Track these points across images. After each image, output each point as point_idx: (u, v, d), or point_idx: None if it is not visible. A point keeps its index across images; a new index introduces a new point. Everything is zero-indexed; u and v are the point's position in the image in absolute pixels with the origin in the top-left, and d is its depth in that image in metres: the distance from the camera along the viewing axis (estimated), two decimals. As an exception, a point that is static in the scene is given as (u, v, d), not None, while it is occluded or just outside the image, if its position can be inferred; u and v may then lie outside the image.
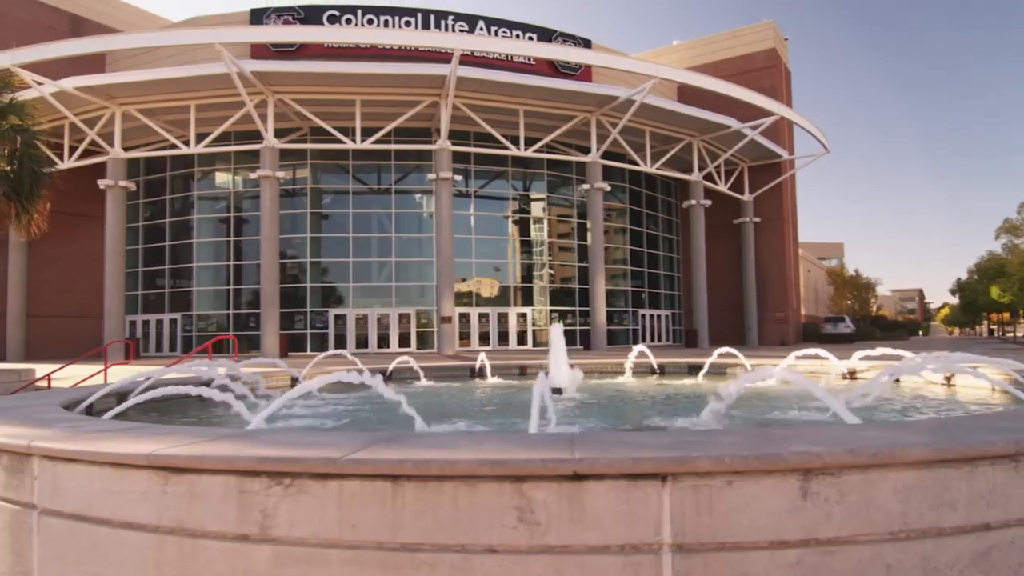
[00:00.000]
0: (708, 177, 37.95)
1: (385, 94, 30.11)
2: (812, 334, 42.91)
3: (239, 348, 32.94)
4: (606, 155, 34.56)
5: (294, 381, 11.73)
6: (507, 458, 2.48)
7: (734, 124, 34.71)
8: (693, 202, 37.19)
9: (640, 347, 12.11)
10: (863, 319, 57.13)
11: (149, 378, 5.89)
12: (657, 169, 35.35)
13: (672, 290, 42.53)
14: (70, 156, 31.45)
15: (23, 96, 28.57)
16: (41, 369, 14.66)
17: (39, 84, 27.98)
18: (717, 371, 12.29)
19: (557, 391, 8.49)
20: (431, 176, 30.56)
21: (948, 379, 8.20)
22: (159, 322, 34.71)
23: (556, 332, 9.34)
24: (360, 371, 6.14)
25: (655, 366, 12.40)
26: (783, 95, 41.86)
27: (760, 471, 2.45)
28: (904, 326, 71.86)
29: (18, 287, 32.75)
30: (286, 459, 2.64)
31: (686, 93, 39.07)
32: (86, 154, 31.27)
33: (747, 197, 40.69)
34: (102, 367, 14.55)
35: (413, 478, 2.53)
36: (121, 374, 11.58)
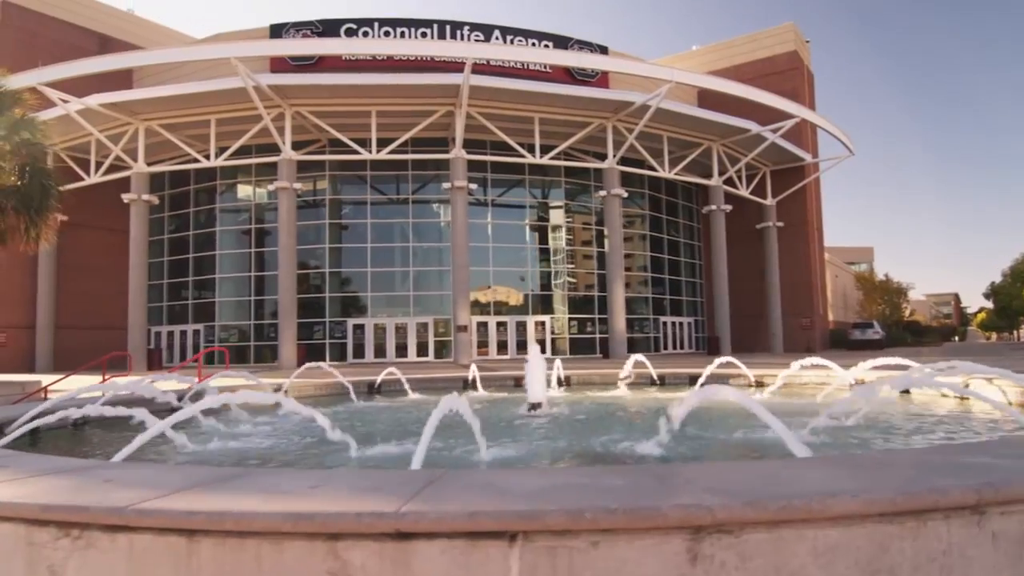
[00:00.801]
0: (729, 182, 36.99)
1: (400, 105, 29.92)
2: (840, 340, 41.53)
3: (259, 358, 33.02)
4: (624, 161, 33.88)
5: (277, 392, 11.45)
6: (314, 511, 1.97)
7: (754, 127, 33.78)
8: (713, 207, 36.23)
9: (637, 356, 11.53)
10: (894, 325, 55.22)
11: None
12: (676, 174, 34.54)
13: (695, 297, 41.52)
14: (96, 171, 31.87)
15: (49, 114, 29.22)
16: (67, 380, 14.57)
17: (65, 101, 28.41)
18: (720, 381, 11.64)
19: (534, 407, 7.97)
20: (446, 185, 30.24)
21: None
22: (183, 333, 34.91)
23: (533, 347, 8.87)
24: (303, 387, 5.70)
25: (655, 377, 11.79)
26: (805, 98, 40.72)
27: (635, 529, 1.89)
28: (938, 331, 69.33)
29: (47, 299, 33.24)
30: (73, 507, 2.17)
31: (706, 97, 38.26)
32: (112, 169, 31.65)
33: (770, 201, 39.58)
34: (112, 376, 14.39)
35: (210, 533, 2.03)
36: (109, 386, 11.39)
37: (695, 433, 5.46)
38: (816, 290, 40.28)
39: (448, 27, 33.71)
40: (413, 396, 10.87)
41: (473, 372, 11.89)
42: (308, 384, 11.51)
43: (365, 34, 32.99)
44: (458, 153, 29.85)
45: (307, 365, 12.79)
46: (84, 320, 34.19)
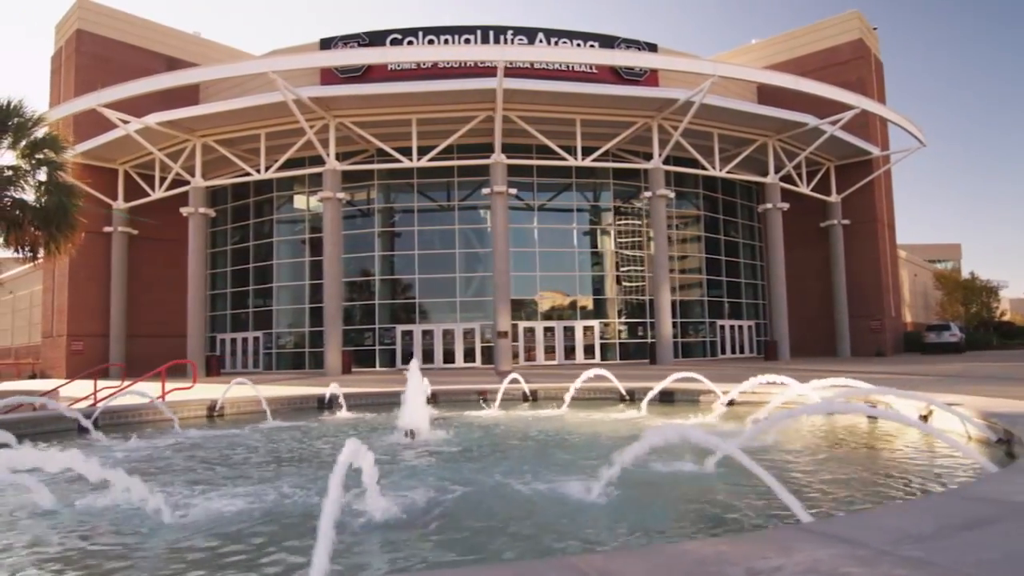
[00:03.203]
0: (788, 179, 34.33)
1: (440, 112, 29.18)
2: (914, 344, 37.91)
3: (314, 364, 32.95)
4: (675, 161, 31.99)
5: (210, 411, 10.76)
6: None
7: (811, 121, 31.13)
8: (769, 206, 33.65)
9: (598, 370, 10.16)
10: (981, 326, 50.27)
11: None
12: (728, 172, 32.25)
13: (756, 299, 38.84)
14: (160, 186, 32.71)
15: (112, 136, 30.15)
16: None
17: (125, 122, 29.21)
18: (690, 399, 10.20)
19: (410, 434, 6.77)
20: (486, 191, 29.27)
21: (924, 417, 5.96)
22: (244, 340, 35.40)
23: (413, 363, 7.65)
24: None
25: (624, 393, 10.41)
26: (872, 88, 37.45)
27: None
28: (1034, 332, 62.76)
29: (120, 309, 34.38)
30: None
31: (766, 92, 35.77)
32: (174, 184, 32.41)
33: (834, 198, 36.54)
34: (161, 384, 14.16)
35: None
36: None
37: (567, 459, 4.29)
38: (887, 290, 36.87)
39: (491, 32, 32.79)
40: (346, 415, 10.10)
41: (426, 387, 11.02)
42: (247, 399, 10.80)
43: (410, 43, 32.52)
44: (497, 158, 28.82)
45: (237, 380, 11.87)
46: (154, 329, 35.20)
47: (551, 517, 3.80)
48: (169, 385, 15.61)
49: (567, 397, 10.22)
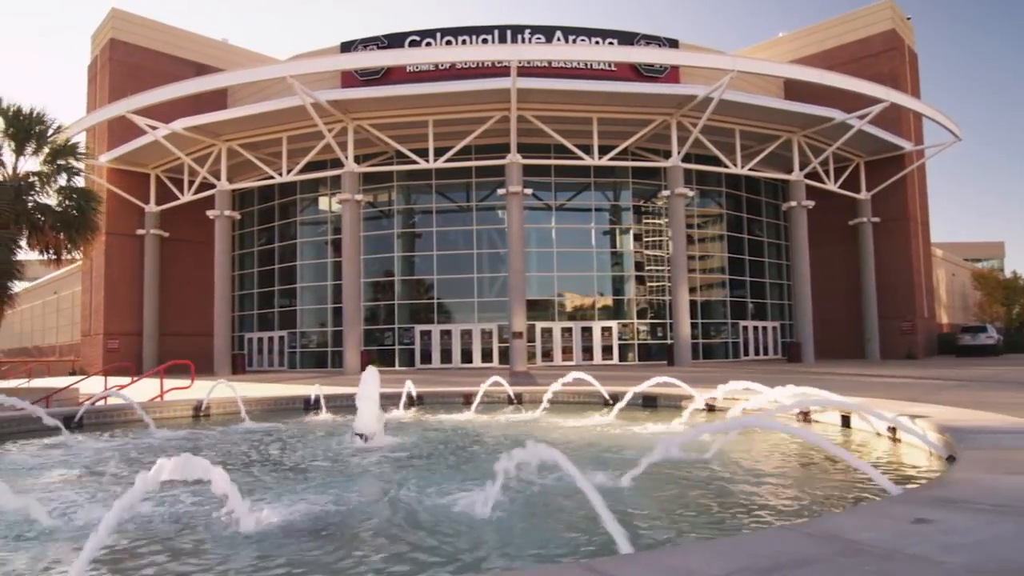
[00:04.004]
0: (814, 176, 33.28)
1: (455, 112, 29.13)
2: (948, 345, 36.39)
3: (336, 363, 33.27)
4: (697, 159, 31.30)
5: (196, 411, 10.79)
6: None
7: (837, 115, 30.08)
8: (794, 204, 32.66)
9: (579, 374, 9.84)
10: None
11: None
12: (750, 170, 31.41)
13: (782, 300, 37.77)
14: (189, 190, 33.44)
15: (142, 141, 30.90)
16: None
17: (153, 128, 29.92)
18: (673, 404, 9.79)
19: (362, 438, 6.60)
20: (502, 191, 29.09)
21: (892, 430, 5.49)
22: (270, 339, 35.96)
23: (368, 371, 7.40)
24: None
25: (607, 397, 10.07)
26: (905, 80, 36.06)
27: None
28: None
29: (153, 308, 35.26)
30: None
31: (793, 87, 34.80)
32: (202, 187, 33.05)
33: (864, 195, 35.29)
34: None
35: None
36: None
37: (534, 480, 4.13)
38: (919, 290, 35.45)
39: (509, 32, 32.58)
40: (326, 416, 9.94)
41: (409, 387, 10.86)
42: (233, 400, 10.79)
43: (428, 44, 32.53)
44: (513, 158, 28.62)
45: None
46: (185, 327, 36.00)
47: (419, 537, 3.60)
48: (178, 384, 15.92)
49: (544, 401, 9.97)
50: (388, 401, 10.73)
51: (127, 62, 35.41)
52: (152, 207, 35.14)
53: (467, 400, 11.25)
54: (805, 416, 7.51)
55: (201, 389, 14.72)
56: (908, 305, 34.79)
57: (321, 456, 6.44)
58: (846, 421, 7.11)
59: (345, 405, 11.22)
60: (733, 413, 7.31)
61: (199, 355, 33.92)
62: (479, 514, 3.85)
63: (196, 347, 34.91)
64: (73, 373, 36.63)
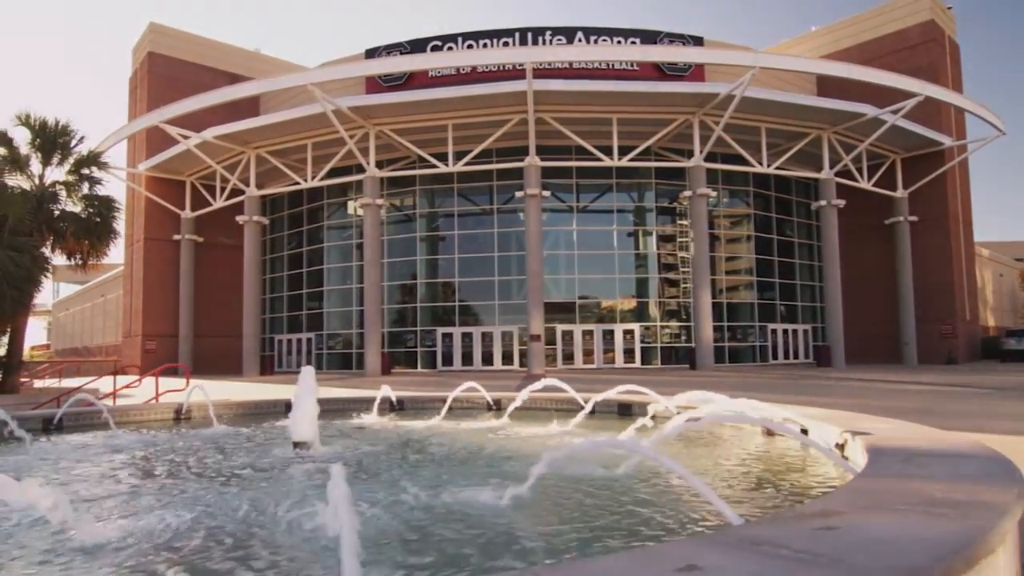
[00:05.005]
0: (846, 174, 31.99)
1: (474, 116, 29.04)
2: (993, 350, 34.49)
3: (360, 365, 33.55)
4: (723, 158, 30.47)
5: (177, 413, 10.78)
6: None
7: (869, 111, 28.83)
8: (823, 203, 31.45)
9: (551, 381, 9.42)
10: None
11: None
12: (777, 168, 30.39)
13: (814, 302, 36.40)
14: (220, 196, 34.24)
15: (175, 150, 31.75)
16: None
17: (185, 137, 30.73)
18: (638, 412, 9.31)
19: (299, 446, 6.41)
20: (519, 194, 28.85)
21: (841, 446, 4.98)
22: (299, 341, 36.54)
23: (305, 372, 7.11)
24: None
25: (582, 404, 9.65)
26: (946, 73, 34.39)
27: None
28: None
29: (187, 311, 36.28)
30: None
31: (827, 83, 33.62)
32: (232, 194, 33.81)
33: (900, 193, 33.75)
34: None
35: None
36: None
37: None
38: (961, 292, 33.69)
39: (530, 34, 32.36)
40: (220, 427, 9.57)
41: (385, 392, 10.64)
42: (216, 403, 10.73)
43: (449, 49, 32.53)
44: (531, 160, 28.34)
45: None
46: (218, 329, 36.89)
47: (236, 556, 3.41)
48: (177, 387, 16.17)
49: (510, 408, 9.65)
50: (364, 406, 10.64)
51: (165, 74, 36.52)
52: (187, 213, 36.15)
53: (443, 405, 11.03)
54: (769, 432, 7.05)
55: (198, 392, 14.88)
56: (948, 307, 33.09)
57: (252, 465, 6.31)
58: (804, 431, 6.64)
59: (327, 409, 11.14)
60: (673, 424, 6.92)
61: (231, 356, 34.81)
62: (323, 538, 3.63)
63: (228, 348, 35.79)
64: (114, 373, 37.96)
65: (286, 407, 11.76)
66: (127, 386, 17.60)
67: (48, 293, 70.06)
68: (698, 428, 6.85)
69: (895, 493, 2.48)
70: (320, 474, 5.69)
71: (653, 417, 9.18)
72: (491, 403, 11.41)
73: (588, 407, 8.75)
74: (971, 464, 2.99)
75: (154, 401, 14.09)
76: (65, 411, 9.05)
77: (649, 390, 9.01)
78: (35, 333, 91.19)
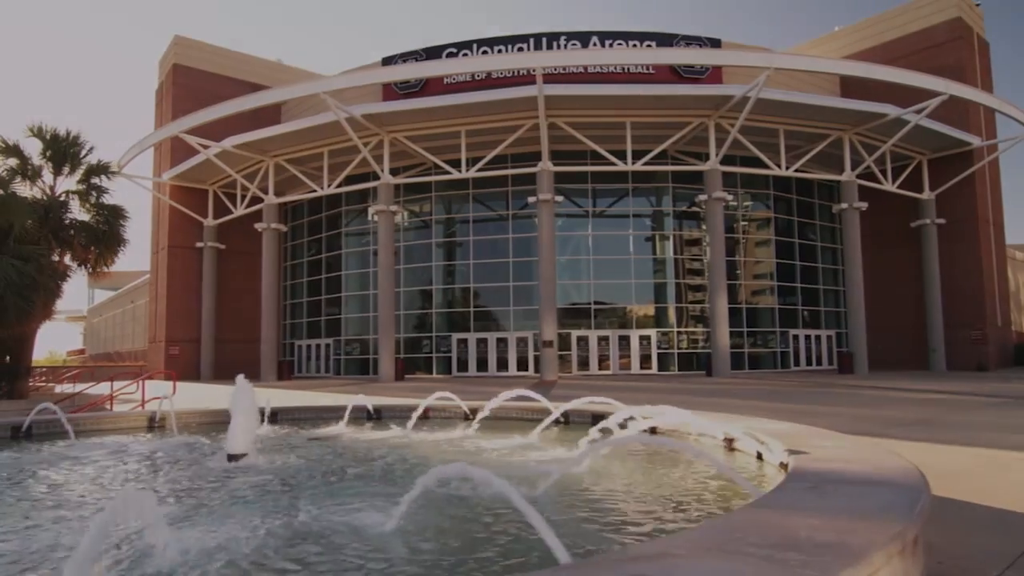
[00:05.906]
0: (869, 176, 31.03)
1: (487, 122, 28.89)
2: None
3: (373, 370, 33.54)
4: (741, 161, 29.82)
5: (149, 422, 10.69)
6: None
7: (891, 111, 27.92)
8: (844, 205, 30.53)
9: (523, 391, 9.09)
10: None
11: None
12: (796, 171, 29.61)
13: (838, 307, 35.31)
14: (241, 204, 34.66)
15: (196, 160, 32.21)
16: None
17: (205, 147, 31.18)
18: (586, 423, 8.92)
19: (233, 459, 6.17)
20: (532, 199, 28.57)
21: (784, 466, 4.56)
22: (317, 346, 36.74)
23: (240, 382, 6.84)
24: None
25: (555, 413, 9.28)
26: (974, 71, 33.20)
27: None
28: None
29: (209, 317, 36.74)
30: None
31: (850, 83, 32.76)
32: (252, 202, 34.17)
33: (927, 195, 32.61)
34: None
35: None
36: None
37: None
38: (991, 297, 32.36)
39: (544, 39, 32.12)
40: (265, 429, 9.43)
41: (360, 400, 10.41)
42: (190, 412, 10.59)
43: (464, 55, 32.45)
44: (544, 165, 28.06)
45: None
46: (239, 335, 37.31)
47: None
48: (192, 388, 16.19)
49: (478, 419, 9.33)
50: (339, 415, 10.43)
51: (189, 85, 37.17)
52: (210, 221, 36.68)
53: (424, 415, 10.76)
54: (730, 443, 6.66)
55: (193, 399, 14.92)
56: (978, 313, 31.81)
57: (184, 479, 6.01)
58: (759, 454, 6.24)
59: (301, 418, 10.98)
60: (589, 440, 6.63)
61: (251, 361, 35.10)
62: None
63: (249, 354, 36.12)
64: (140, 378, 38.65)
65: (260, 413, 11.62)
66: (122, 390, 17.73)
67: (84, 299, 72.02)
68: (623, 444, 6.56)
69: (760, 529, 2.15)
70: (227, 492, 5.26)
71: (566, 421, 8.88)
72: (467, 412, 11.07)
73: (550, 418, 8.43)
74: (878, 494, 2.64)
75: (140, 408, 14.14)
76: (33, 419, 9.00)
77: (613, 400, 8.65)
78: (71, 338, 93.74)
